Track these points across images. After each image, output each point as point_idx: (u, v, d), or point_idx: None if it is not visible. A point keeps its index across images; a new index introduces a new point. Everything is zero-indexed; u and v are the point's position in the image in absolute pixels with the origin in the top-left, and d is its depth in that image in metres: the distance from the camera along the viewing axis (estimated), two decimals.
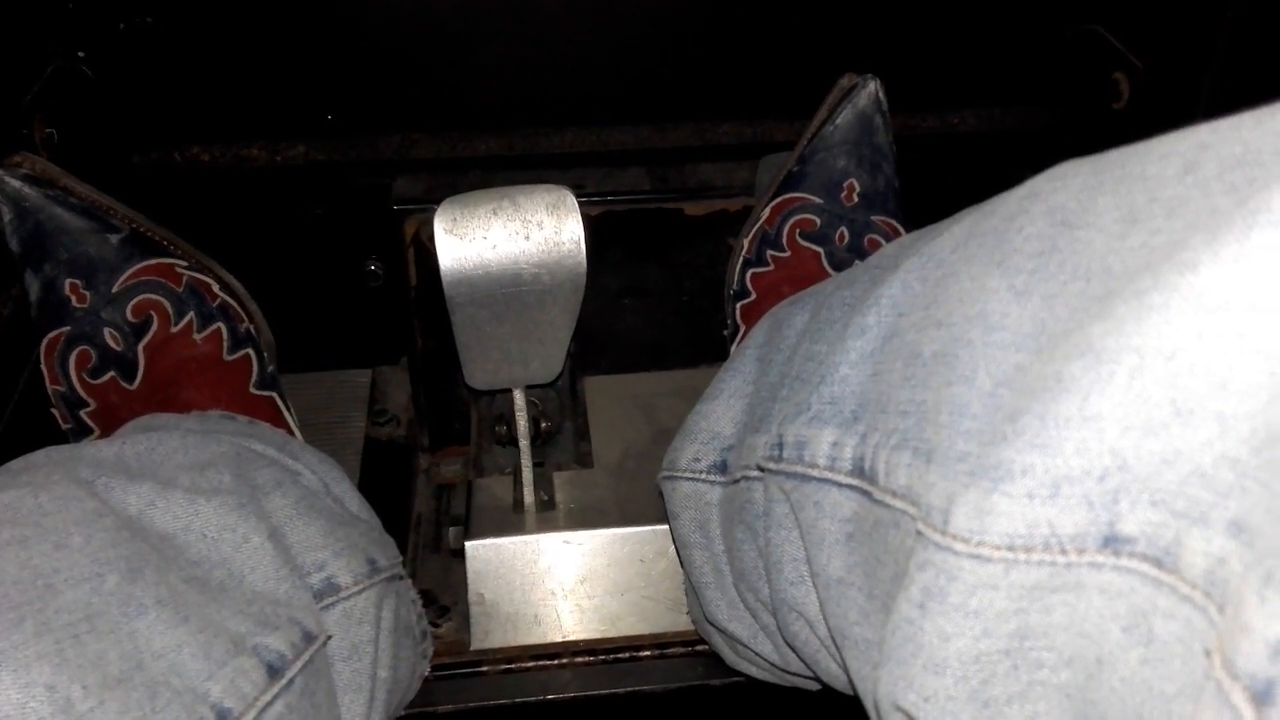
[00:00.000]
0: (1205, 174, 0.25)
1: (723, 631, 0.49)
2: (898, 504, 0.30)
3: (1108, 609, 0.24)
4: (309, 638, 0.39)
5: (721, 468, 0.46)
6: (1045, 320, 0.27)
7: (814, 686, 0.48)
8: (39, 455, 0.42)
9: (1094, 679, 0.25)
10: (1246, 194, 0.23)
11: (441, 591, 0.61)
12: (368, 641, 0.45)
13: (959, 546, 0.26)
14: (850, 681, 0.36)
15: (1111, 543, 0.24)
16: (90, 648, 0.31)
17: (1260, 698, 0.19)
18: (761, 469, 0.40)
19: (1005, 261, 0.29)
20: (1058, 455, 0.24)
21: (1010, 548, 0.25)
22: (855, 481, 0.34)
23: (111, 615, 0.33)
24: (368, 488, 0.56)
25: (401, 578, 0.52)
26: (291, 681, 0.37)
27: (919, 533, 0.28)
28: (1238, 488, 0.22)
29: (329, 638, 0.42)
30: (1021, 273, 0.28)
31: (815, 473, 0.35)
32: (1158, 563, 0.23)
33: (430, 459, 0.70)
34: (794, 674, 0.47)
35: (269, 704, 0.35)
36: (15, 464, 0.41)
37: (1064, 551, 0.25)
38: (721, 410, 0.47)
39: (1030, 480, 0.25)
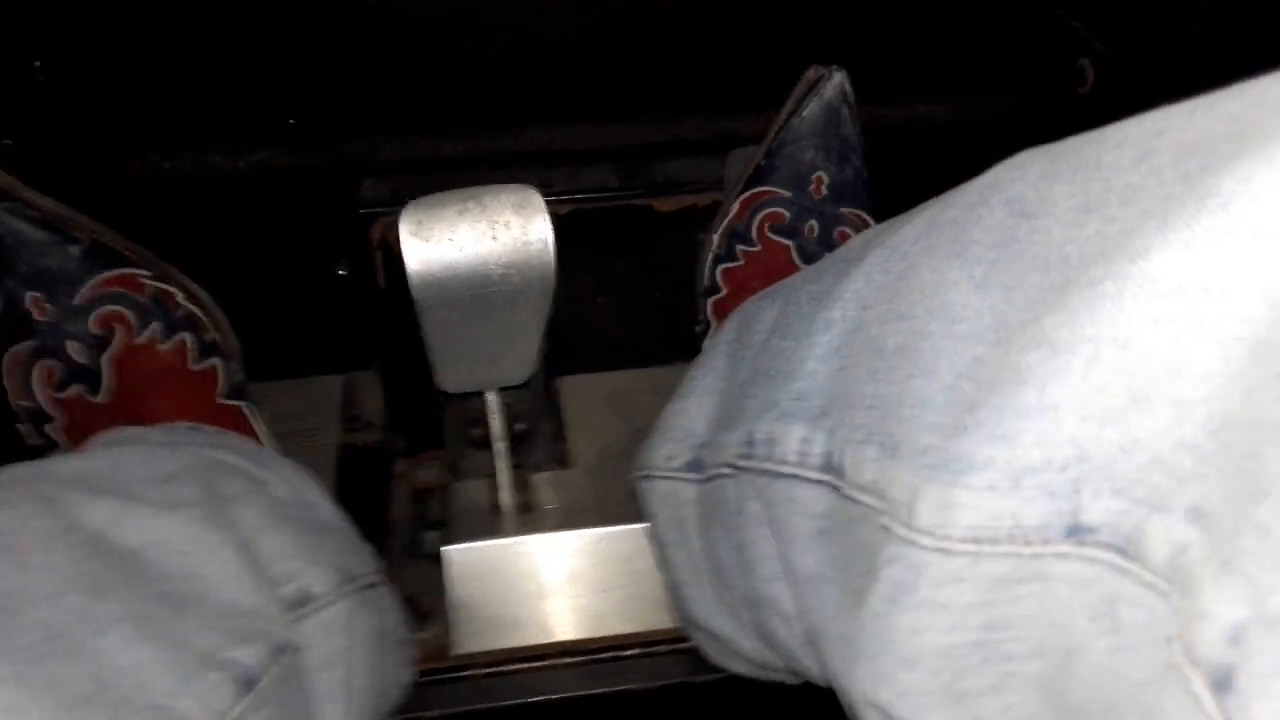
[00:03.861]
0: (1160, 161, 0.25)
1: (703, 629, 0.49)
2: (866, 499, 0.30)
3: (1075, 598, 0.24)
4: (281, 649, 0.39)
5: (696, 465, 0.46)
6: (1004, 311, 0.27)
7: (796, 681, 0.48)
8: (2, 473, 0.41)
9: (1065, 668, 0.25)
10: (1199, 179, 0.23)
11: (422, 597, 0.61)
12: (344, 650, 0.44)
13: (924, 540, 0.26)
14: (825, 677, 0.36)
15: (1075, 532, 0.24)
16: (52, 669, 0.31)
17: (1219, 684, 0.19)
18: (733, 466, 0.39)
19: (965, 253, 0.29)
20: (1018, 446, 0.24)
21: (975, 540, 0.25)
22: (825, 477, 0.33)
23: (74, 635, 0.32)
24: (343, 495, 0.55)
25: (378, 585, 0.51)
26: (263, 695, 0.37)
27: (885, 527, 0.28)
28: (1196, 474, 0.22)
29: (302, 649, 0.41)
30: (981, 264, 0.28)
31: (786, 469, 0.35)
32: (1121, 551, 0.23)
33: (406, 464, 0.70)
34: (774, 669, 0.47)
35: (240, 718, 0.35)
36: None
37: (1029, 542, 0.25)
38: (694, 407, 0.47)
39: (992, 472, 0.25)
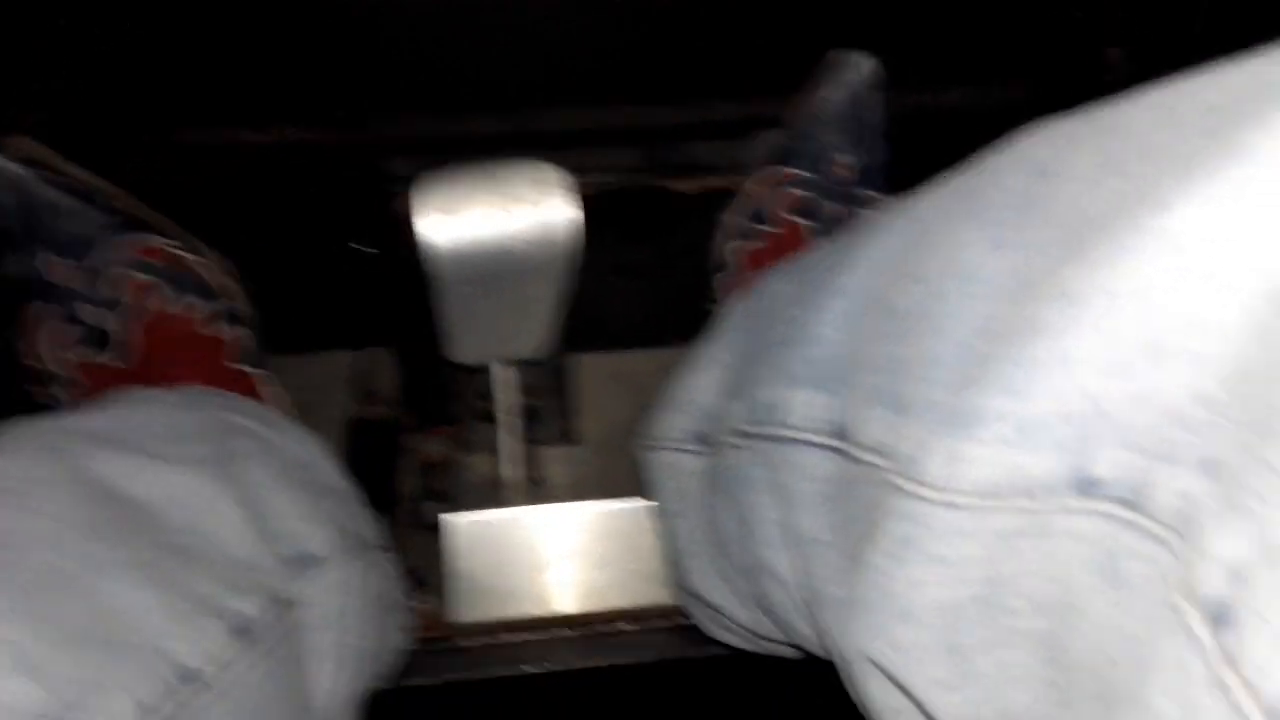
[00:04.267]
0: (1182, 119, 0.24)
1: (701, 600, 0.48)
2: (870, 458, 0.30)
3: (1078, 553, 0.24)
4: (278, 603, 0.39)
5: (701, 438, 0.46)
6: (1020, 269, 0.27)
7: (790, 653, 0.47)
8: (11, 425, 0.41)
9: (1064, 623, 0.25)
10: (1222, 135, 0.23)
11: (423, 567, 0.61)
12: (340, 611, 0.44)
13: (931, 495, 0.26)
14: (823, 643, 0.36)
15: (1083, 486, 0.23)
16: (51, 605, 0.31)
17: (1217, 619, 0.18)
18: (739, 434, 0.39)
19: (982, 215, 0.29)
20: (1029, 400, 0.24)
21: (982, 494, 0.25)
22: (832, 441, 0.33)
23: (74, 575, 0.32)
24: (353, 467, 0.55)
25: (379, 550, 0.51)
26: (256, 644, 0.37)
27: (890, 483, 0.28)
28: (1208, 424, 0.21)
29: (299, 605, 0.41)
30: (998, 225, 0.28)
31: (792, 434, 0.35)
32: (1128, 504, 0.23)
33: (416, 437, 0.70)
34: (769, 639, 0.46)
35: (230, 663, 0.35)
36: None
37: (1034, 496, 0.24)
38: (701, 379, 0.47)
39: (1002, 425, 0.24)
